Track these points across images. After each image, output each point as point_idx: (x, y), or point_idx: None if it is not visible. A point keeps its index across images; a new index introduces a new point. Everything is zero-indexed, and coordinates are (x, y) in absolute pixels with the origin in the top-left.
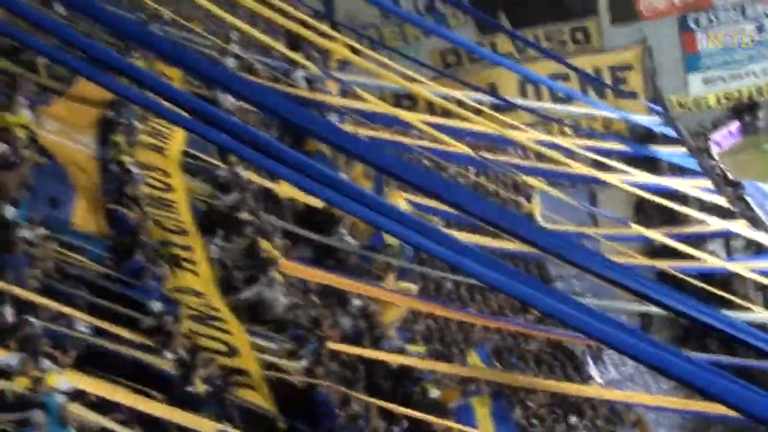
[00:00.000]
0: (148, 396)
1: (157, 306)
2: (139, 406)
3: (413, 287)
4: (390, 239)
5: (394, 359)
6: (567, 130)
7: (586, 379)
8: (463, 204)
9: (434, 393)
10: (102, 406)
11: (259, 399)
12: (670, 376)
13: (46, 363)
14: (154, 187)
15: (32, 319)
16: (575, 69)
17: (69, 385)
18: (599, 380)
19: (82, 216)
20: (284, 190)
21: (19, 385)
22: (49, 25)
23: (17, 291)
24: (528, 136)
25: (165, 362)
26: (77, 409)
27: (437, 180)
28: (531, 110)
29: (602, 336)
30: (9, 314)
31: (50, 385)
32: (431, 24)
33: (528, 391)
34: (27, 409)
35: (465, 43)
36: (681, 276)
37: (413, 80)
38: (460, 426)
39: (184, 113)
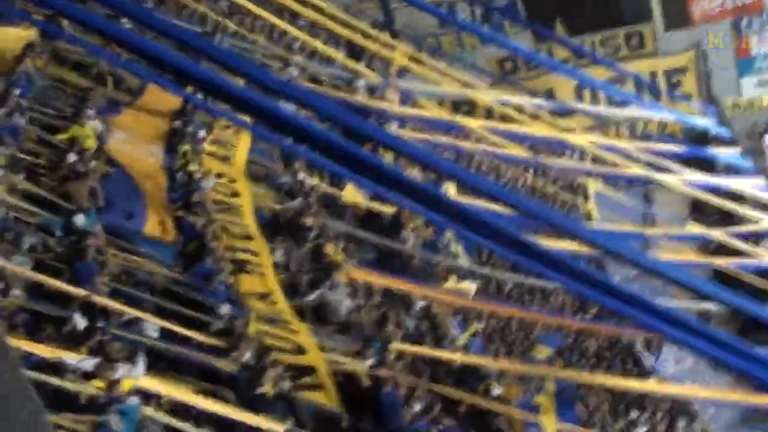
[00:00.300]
0: (219, 397)
1: (225, 309)
2: (210, 408)
3: (472, 287)
4: (452, 241)
5: (458, 358)
6: (623, 133)
7: (646, 374)
8: (522, 206)
9: (497, 390)
10: (174, 408)
11: (325, 399)
12: (729, 369)
13: (120, 366)
14: (220, 193)
15: (104, 324)
16: (628, 73)
17: (142, 388)
18: (659, 375)
19: (152, 223)
20: (348, 195)
21: (94, 388)
22: (123, 35)
23: (89, 297)
24: (585, 139)
25: (234, 364)
26: (150, 412)
27: (496, 184)
28: (588, 114)
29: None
30: (81, 320)
31: (124, 388)
32: (488, 32)
33: (589, 388)
34: (101, 412)
35: (521, 49)
36: (738, 274)
37: (471, 87)
38: (523, 418)
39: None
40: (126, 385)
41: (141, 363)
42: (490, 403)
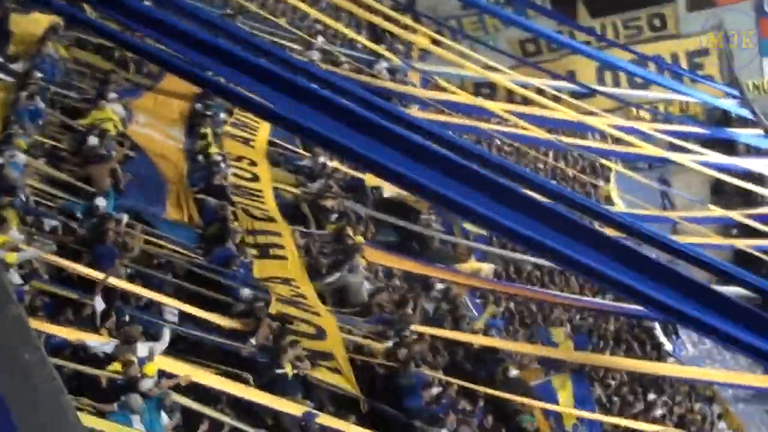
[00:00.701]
0: (239, 379)
1: (246, 292)
2: (230, 390)
3: (487, 268)
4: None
5: (476, 340)
6: (645, 114)
7: (665, 357)
8: (547, 189)
9: (515, 372)
10: (194, 390)
11: (343, 382)
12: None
13: (140, 348)
14: (240, 177)
15: (124, 307)
16: (648, 58)
17: (162, 370)
18: (677, 358)
19: (172, 206)
20: (370, 177)
21: (114, 370)
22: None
23: (109, 280)
24: (606, 121)
25: (253, 347)
26: (170, 393)
27: (515, 165)
28: (609, 96)
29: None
30: (100, 302)
31: (144, 370)
32: (510, 14)
33: (607, 370)
34: (122, 393)
35: (544, 31)
36: (758, 256)
37: (493, 69)
38: (540, 403)
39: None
40: (149, 369)
41: (165, 337)
42: (507, 387)
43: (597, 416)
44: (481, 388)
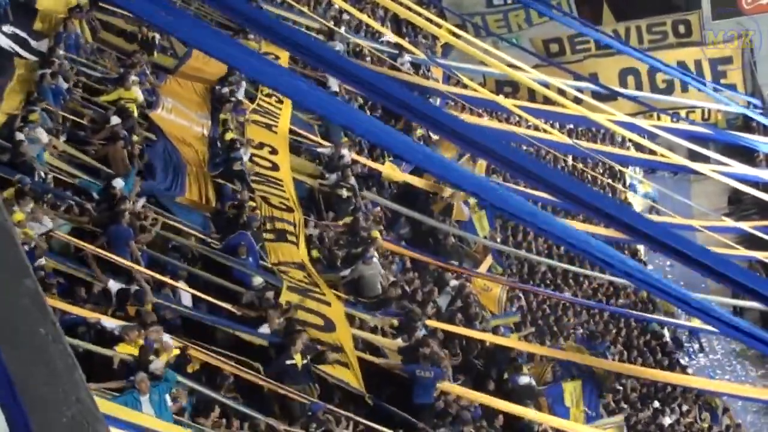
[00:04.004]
0: (248, 367)
1: (258, 280)
2: (239, 375)
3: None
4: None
5: (488, 338)
6: (666, 119)
7: (675, 365)
8: (561, 187)
9: (526, 380)
10: (203, 374)
11: (349, 377)
12: None
13: (151, 331)
14: (261, 165)
15: (137, 289)
16: (667, 66)
17: (171, 353)
18: (688, 367)
19: (192, 191)
20: (388, 171)
21: (123, 351)
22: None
23: (123, 262)
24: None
25: (264, 335)
26: (180, 378)
27: (536, 163)
28: (632, 98)
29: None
30: (114, 284)
31: (153, 353)
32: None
33: (618, 375)
34: (131, 374)
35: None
36: None
37: (515, 68)
38: (549, 417)
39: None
40: (160, 353)
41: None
42: (517, 392)
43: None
44: (490, 399)
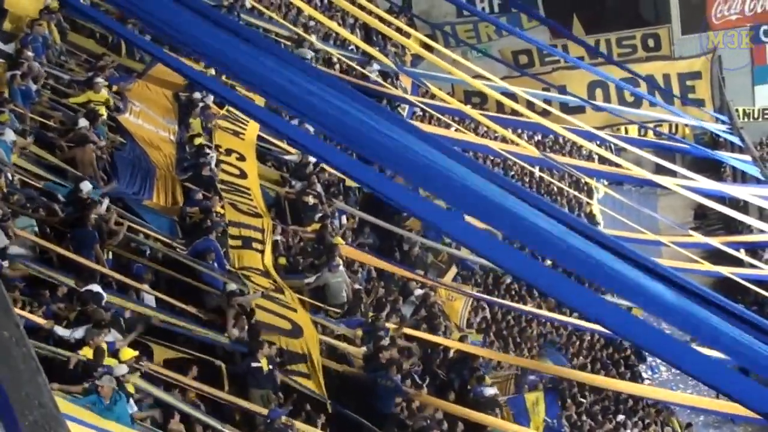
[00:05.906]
0: (213, 368)
1: (232, 286)
2: (200, 387)
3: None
4: None
5: (453, 345)
6: (634, 131)
7: (638, 378)
8: (534, 202)
9: (488, 383)
10: (164, 379)
11: (313, 385)
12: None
13: (112, 334)
14: (229, 172)
15: (100, 292)
16: (640, 76)
17: (132, 357)
18: (650, 380)
19: (158, 195)
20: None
21: (84, 355)
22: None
23: (87, 264)
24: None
25: (229, 338)
26: (139, 381)
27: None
28: (600, 109)
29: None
30: (77, 287)
31: (114, 356)
32: (505, 23)
33: (580, 387)
34: (91, 378)
35: (539, 42)
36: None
37: (484, 78)
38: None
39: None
40: (126, 354)
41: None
42: (479, 402)
43: None
44: (454, 407)
